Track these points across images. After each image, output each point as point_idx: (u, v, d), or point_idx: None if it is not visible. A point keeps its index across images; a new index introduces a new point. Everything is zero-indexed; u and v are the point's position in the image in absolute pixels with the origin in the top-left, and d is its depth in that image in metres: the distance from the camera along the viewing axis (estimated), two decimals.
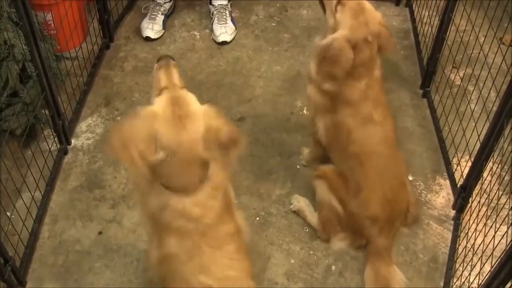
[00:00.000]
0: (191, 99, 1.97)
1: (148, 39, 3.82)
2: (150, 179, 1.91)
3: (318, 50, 2.62)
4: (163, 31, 3.90)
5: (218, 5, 3.89)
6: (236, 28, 3.91)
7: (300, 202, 2.93)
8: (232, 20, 3.92)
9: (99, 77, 3.58)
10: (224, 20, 3.85)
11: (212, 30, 3.88)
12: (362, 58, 2.53)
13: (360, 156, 2.64)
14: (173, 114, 1.87)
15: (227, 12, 3.88)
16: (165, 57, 2.16)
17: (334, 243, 2.80)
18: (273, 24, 4.03)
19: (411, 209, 2.83)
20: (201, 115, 1.90)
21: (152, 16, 3.86)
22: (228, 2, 3.95)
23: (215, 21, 3.86)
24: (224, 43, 3.82)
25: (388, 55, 2.65)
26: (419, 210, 2.93)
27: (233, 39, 3.88)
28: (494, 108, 2.53)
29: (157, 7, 3.89)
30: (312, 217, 2.86)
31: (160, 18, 3.88)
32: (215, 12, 3.88)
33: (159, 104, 1.91)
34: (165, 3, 3.93)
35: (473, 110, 3.01)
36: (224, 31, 3.82)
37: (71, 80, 3.29)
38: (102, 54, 3.71)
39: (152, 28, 3.83)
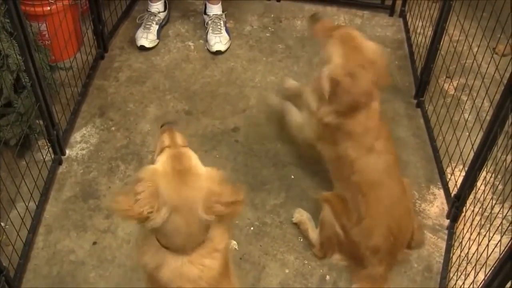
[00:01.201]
0: (193, 156, 1.95)
1: (142, 48, 3.83)
2: (149, 236, 1.92)
3: (316, 84, 2.65)
4: (158, 40, 3.91)
5: (213, 15, 3.90)
6: (230, 38, 3.92)
7: (303, 216, 2.92)
8: (227, 30, 3.93)
9: (94, 87, 3.58)
10: (219, 30, 3.86)
11: (206, 40, 3.89)
12: (360, 86, 2.54)
13: (362, 185, 2.62)
14: (173, 169, 1.86)
15: (221, 22, 3.89)
16: (169, 123, 2.15)
17: (330, 259, 2.80)
18: (267, 34, 4.04)
19: (415, 235, 2.80)
20: (203, 176, 1.88)
21: (147, 26, 3.87)
22: (223, 12, 3.96)
23: (210, 30, 3.87)
24: (218, 52, 3.83)
25: (382, 86, 2.67)
26: (423, 236, 2.90)
27: (227, 49, 3.89)
28: (488, 118, 2.54)
29: (152, 17, 3.90)
30: (313, 232, 2.85)
31: (155, 27, 3.89)
32: (209, 22, 3.89)
33: (161, 160, 1.91)
34: (159, 13, 3.94)
35: (467, 120, 3.02)
36: (219, 40, 3.83)
37: (65, 91, 3.29)
38: (97, 65, 3.71)
39: (147, 38, 3.83)
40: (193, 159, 1.93)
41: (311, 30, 2.85)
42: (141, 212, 1.77)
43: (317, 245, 2.81)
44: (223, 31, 3.88)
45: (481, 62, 2.81)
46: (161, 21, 3.96)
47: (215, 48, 3.82)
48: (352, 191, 2.66)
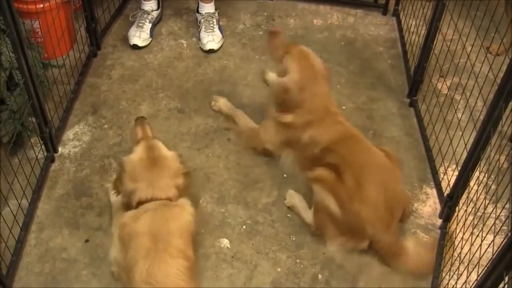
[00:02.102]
0: (161, 146, 2.65)
1: (135, 47, 3.83)
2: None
3: (273, 91, 3.14)
4: (150, 39, 3.90)
5: (205, 13, 3.89)
6: (223, 37, 3.92)
7: (294, 198, 2.98)
8: (220, 28, 3.93)
9: (86, 85, 3.57)
10: (211, 28, 3.85)
11: (199, 38, 3.89)
12: (313, 93, 2.95)
13: (340, 166, 2.74)
14: (148, 157, 2.57)
15: (214, 20, 3.89)
16: (140, 118, 2.88)
17: (332, 247, 2.81)
18: (260, 33, 4.04)
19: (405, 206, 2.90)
20: (169, 158, 2.60)
21: (140, 24, 3.86)
22: (216, 10, 3.95)
23: (202, 29, 3.86)
24: (211, 51, 3.83)
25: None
26: (410, 205, 2.99)
27: (220, 47, 3.89)
28: (481, 117, 2.54)
29: (145, 15, 3.89)
30: (306, 213, 2.90)
31: (148, 26, 3.89)
32: (202, 20, 3.88)
33: (138, 150, 2.60)
34: (152, 11, 3.93)
35: (460, 119, 3.02)
36: (211, 39, 3.83)
37: (58, 88, 3.28)
38: (89, 62, 3.70)
39: (140, 36, 3.82)
40: (161, 147, 2.64)
41: (270, 45, 3.15)
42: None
43: (313, 224, 2.85)
44: (216, 29, 3.88)
45: (475, 61, 2.81)
46: (154, 19, 3.96)
47: (208, 46, 3.82)
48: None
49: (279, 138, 3.07)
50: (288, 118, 2.97)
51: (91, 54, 3.74)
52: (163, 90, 3.57)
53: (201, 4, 3.93)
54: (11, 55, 2.76)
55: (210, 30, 3.85)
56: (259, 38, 3.99)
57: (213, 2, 3.94)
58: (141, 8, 3.94)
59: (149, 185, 2.49)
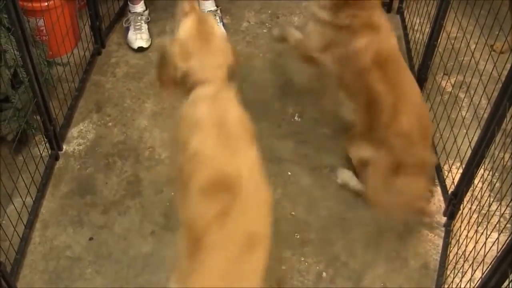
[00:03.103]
0: (213, 21, 2.37)
1: (141, 49, 3.80)
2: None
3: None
4: (151, 39, 3.88)
5: (207, 11, 3.88)
6: (226, 34, 3.91)
7: (345, 174, 3.06)
8: (223, 25, 3.92)
9: (91, 83, 3.58)
10: None
11: None
12: None
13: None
14: (200, 33, 2.26)
15: (217, 17, 3.87)
16: None
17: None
18: (265, 30, 4.03)
19: None
20: (220, 35, 2.36)
21: (137, 27, 3.84)
22: (218, 7, 3.95)
23: None
24: None
25: None
26: None
27: None
28: (485, 115, 2.54)
29: (139, 17, 3.86)
30: (358, 185, 2.99)
31: (145, 27, 3.87)
32: None
33: (188, 24, 2.28)
34: (144, 11, 3.90)
35: (464, 117, 3.02)
36: None
37: (62, 86, 3.28)
38: (94, 60, 3.70)
39: (142, 38, 3.81)
40: (213, 23, 2.36)
41: None
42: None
43: (368, 195, 2.91)
44: (220, 26, 3.86)
45: (479, 59, 2.80)
46: (148, 19, 3.93)
47: None
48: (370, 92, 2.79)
49: (324, 42, 2.93)
50: (344, 18, 2.80)
51: (96, 52, 3.74)
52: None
53: (200, 2, 3.92)
54: (15, 53, 2.76)
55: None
56: (263, 36, 3.98)
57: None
58: (133, 11, 3.89)
59: (204, 64, 2.22)
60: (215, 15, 3.87)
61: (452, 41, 3.15)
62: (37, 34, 3.34)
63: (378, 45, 2.77)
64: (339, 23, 2.81)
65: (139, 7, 3.89)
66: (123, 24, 3.95)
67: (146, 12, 3.93)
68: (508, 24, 3.22)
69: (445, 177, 3.07)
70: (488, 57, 2.71)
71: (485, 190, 2.66)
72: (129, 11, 3.91)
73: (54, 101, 3.15)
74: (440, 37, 3.24)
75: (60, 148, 3.16)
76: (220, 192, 2.00)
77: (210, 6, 3.92)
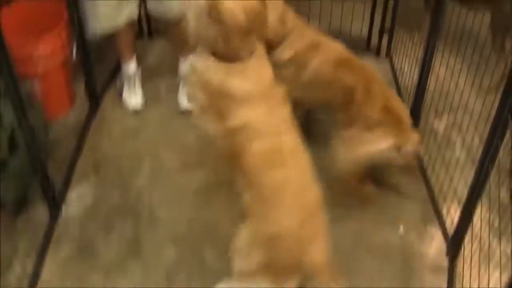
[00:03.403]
0: None
1: (135, 109, 3.85)
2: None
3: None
4: (144, 98, 3.91)
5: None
6: None
7: None
8: None
9: (87, 144, 3.59)
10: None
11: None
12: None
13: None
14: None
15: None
16: None
17: None
18: None
19: None
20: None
21: (131, 87, 3.89)
22: None
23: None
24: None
25: None
26: None
27: None
28: (479, 153, 2.56)
29: (132, 77, 3.90)
30: None
31: (138, 86, 3.91)
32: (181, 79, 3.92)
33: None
34: (135, 70, 3.93)
35: (458, 158, 3.04)
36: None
37: (59, 148, 3.31)
38: (90, 121, 3.73)
39: (136, 98, 3.86)
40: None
41: None
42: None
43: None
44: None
45: (468, 98, 2.84)
46: (139, 77, 3.96)
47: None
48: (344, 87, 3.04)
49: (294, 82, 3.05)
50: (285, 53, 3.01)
51: (91, 113, 3.76)
52: (164, 146, 3.59)
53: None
54: (12, 117, 2.78)
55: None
56: None
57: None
58: (125, 71, 3.92)
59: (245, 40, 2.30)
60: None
61: (442, 82, 3.19)
62: (32, 97, 3.38)
63: (327, 55, 3.02)
64: (284, 58, 3.01)
65: (132, 67, 3.92)
66: (116, 85, 4.01)
67: (139, 71, 3.97)
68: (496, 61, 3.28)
69: (444, 218, 3.07)
70: (477, 95, 2.74)
71: (484, 229, 2.65)
72: (122, 71, 3.95)
73: (52, 163, 3.16)
74: (429, 79, 3.28)
75: (59, 211, 3.16)
76: (278, 161, 2.26)
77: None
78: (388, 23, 4.25)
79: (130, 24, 3.65)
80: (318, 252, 2.24)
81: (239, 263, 2.40)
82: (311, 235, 2.25)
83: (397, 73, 4.01)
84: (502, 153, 2.51)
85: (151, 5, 3.55)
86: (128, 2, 3.45)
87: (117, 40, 3.75)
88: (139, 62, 3.99)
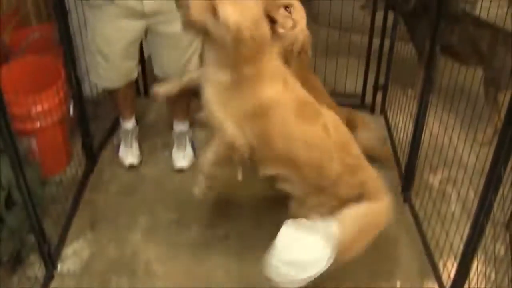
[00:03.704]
0: None
1: (132, 166, 3.86)
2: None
3: None
4: (141, 155, 3.94)
5: (179, 130, 3.96)
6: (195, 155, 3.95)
7: None
8: (193, 145, 4.00)
9: (84, 200, 3.60)
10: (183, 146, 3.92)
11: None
12: None
13: None
14: None
15: (187, 138, 3.95)
16: None
17: None
18: None
19: None
20: None
21: (128, 144, 3.91)
22: (190, 128, 4.01)
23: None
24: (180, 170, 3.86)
25: None
26: None
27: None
28: (474, 207, 2.57)
29: (130, 134, 3.93)
30: None
31: (135, 143, 3.94)
32: (174, 139, 3.96)
33: None
34: (134, 127, 3.97)
35: (454, 212, 3.06)
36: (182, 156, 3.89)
37: (56, 205, 3.31)
38: (87, 178, 3.74)
39: (133, 154, 3.88)
40: None
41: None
42: None
43: None
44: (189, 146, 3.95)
45: (462, 152, 2.87)
46: (137, 135, 4.00)
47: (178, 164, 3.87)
48: None
49: None
50: None
51: (88, 170, 3.78)
52: (160, 202, 3.60)
53: (174, 122, 3.98)
54: (9, 173, 2.80)
55: (182, 149, 3.92)
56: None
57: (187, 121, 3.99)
58: (124, 128, 3.95)
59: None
60: (185, 135, 3.95)
61: (435, 137, 3.22)
62: (29, 154, 3.40)
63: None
64: None
65: (130, 124, 3.96)
66: (114, 141, 4.04)
67: (136, 128, 4.00)
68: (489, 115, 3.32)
69: (441, 273, 3.06)
70: (471, 149, 2.77)
71: (481, 282, 2.66)
72: (120, 128, 3.98)
73: (48, 220, 3.16)
74: (423, 134, 3.31)
75: (55, 268, 3.14)
76: None
77: (181, 127, 3.97)
78: (382, 80, 4.31)
79: (129, 83, 3.71)
80: None
81: None
82: None
83: (392, 129, 4.05)
84: (497, 206, 2.52)
85: (157, 69, 3.62)
86: (127, 62, 3.51)
87: (117, 98, 3.80)
88: (137, 120, 4.04)
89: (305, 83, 2.85)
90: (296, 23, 2.91)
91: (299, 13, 2.95)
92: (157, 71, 3.61)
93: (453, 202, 3.29)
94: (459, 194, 3.19)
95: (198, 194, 3.02)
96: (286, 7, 2.91)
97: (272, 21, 2.84)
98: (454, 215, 3.02)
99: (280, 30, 2.88)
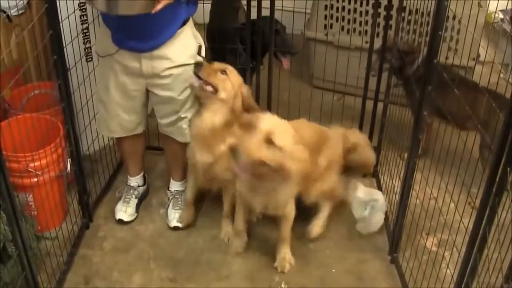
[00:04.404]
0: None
1: (121, 221, 3.89)
2: None
3: None
4: (136, 214, 3.98)
5: (174, 190, 4.03)
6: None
7: None
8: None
9: (79, 256, 3.63)
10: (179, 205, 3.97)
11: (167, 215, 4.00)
12: None
13: None
14: None
15: (181, 200, 4.00)
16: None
17: None
18: None
19: None
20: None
21: (126, 200, 3.96)
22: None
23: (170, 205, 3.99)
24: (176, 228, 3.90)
25: None
26: None
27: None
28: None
29: (131, 191, 4.00)
30: None
31: (134, 201, 3.98)
32: (170, 197, 4.02)
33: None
34: (139, 187, 4.05)
35: (438, 273, 3.08)
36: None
37: (51, 260, 3.33)
38: (82, 234, 3.78)
39: (126, 211, 3.92)
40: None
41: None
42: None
43: None
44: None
45: (446, 214, 2.92)
46: (140, 195, 4.06)
47: (173, 223, 3.91)
48: None
49: None
50: None
51: (84, 226, 3.83)
52: (155, 260, 3.63)
53: (171, 181, 4.06)
54: (5, 227, 2.84)
55: (178, 208, 3.97)
56: None
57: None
58: (128, 184, 4.06)
59: None
60: (181, 194, 4.00)
61: (422, 199, 3.28)
62: (26, 209, 3.46)
63: None
64: None
65: (134, 181, 4.04)
66: (116, 194, 4.10)
67: (141, 188, 4.07)
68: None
69: None
70: (455, 212, 2.83)
71: None
72: (126, 183, 4.06)
73: (43, 274, 3.17)
74: (410, 196, 3.36)
75: None
76: None
77: (178, 186, 4.05)
78: (375, 142, 4.39)
79: (136, 141, 3.85)
80: None
81: None
82: None
83: (383, 191, 4.11)
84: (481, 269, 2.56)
85: (164, 128, 3.72)
86: (128, 116, 3.62)
87: (122, 152, 3.98)
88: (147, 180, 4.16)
89: None
90: (234, 84, 3.40)
91: (234, 75, 3.42)
92: (158, 127, 3.74)
93: (438, 263, 3.30)
94: (443, 255, 3.21)
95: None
96: (223, 71, 3.35)
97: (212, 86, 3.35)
98: (438, 275, 3.04)
99: (222, 95, 3.37)
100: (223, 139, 3.45)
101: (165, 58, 3.33)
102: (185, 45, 3.40)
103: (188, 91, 3.46)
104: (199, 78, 3.35)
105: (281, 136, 2.96)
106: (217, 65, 3.43)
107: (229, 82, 3.38)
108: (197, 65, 3.34)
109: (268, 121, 3.02)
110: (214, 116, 3.40)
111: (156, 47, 3.29)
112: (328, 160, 3.71)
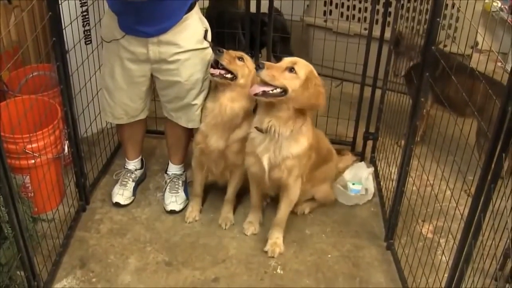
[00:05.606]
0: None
1: (117, 205, 3.91)
2: None
3: None
4: (133, 197, 3.99)
5: (172, 173, 4.03)
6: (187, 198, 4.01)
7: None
8: (185, 189, 4.03)
9: (75, 239, 3.64)
10: (176, 189, 3.98)
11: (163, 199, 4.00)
12: None
13: None
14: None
15: (180, 181, 4.01)
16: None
17: None
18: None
19: None
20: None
21: (123, 183, 3.97)
22: (184, 171, 4.08)
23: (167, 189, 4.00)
24: (172, 212, 3.90)
25: None
26: None
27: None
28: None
29: (128, 174, 4.01)
30: None
31: (131, 185, 4.00)
32: (168, 181, 4.03)
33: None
34: (136, 170, 4.05)
35: (434, 259, 3.09)
36: (174, 200, 3.94)
37: (47, 242, 3.33)
38: (78, 217, 3.79)
39: (122, 194, 3.93)
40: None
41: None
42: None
43: None
44: (181, 191, 4.00)
45: (442, 202, 2.92)
46: (137, 178, 4.07)
47: (169, 207, 3.92)
48: None
49: None
50: None
51: (80, 209, 3.84)
52: (151, 244, 3.64)
53: (169, 165, 4.06)
54: (1, 209, 2.84)
55: (175, 192, 3.98)
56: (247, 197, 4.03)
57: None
58: (125, 167, 4.06)
59: None
60: (179, 178, 4.01)
61: (418, 186, 3.28)
62: (23, 190, 3.47)
63: None
64: None
65: (132, 164, 4.05)
66: (114, 177, 4.12)
67: (138, 172, 4.08)
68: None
69: None
70: (450, 198, 2.82)
71: None
72: (124, 166, 4.07)
73: (38, 256, 3.18)
74: (406, 183, 3.37)
75: None
76: None
77: (176, 170, 4.05)
78: (372, 129, 4.39)
79: (137, 127, 3.86)
80: None
81: None
82: None
83: (380, 178, 4.12)
84: (476, 255, 2.57)
85: (170, 112, 3.71)
86: (132, 102, 3.64)
87: (122, 136, 3.98)
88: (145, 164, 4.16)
89: None
90: (250, 70, 3.36)
91: (250, 61, 3.44)
92: (163, 110, 3.74)
93: (433, 249, 3.31)
94: (438, 241, 3.23)
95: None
96: (240, 58, 3.36)
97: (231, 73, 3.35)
98: (433, 262, 3.05)
99: (242, 81, 3.37)
100: (240, 125, 3.48)
101: (173, 43, 3.33)
102: (193, 30, 3.40)
103: (194, 76, 3.47)
104: (217, 65, 3.35)
105: (302, 66, 3.17)
106: (233, 52, 3.44)
107: (247, 68, 3.40)
108: (218, 52, 3.31)
109: (293, 59, 3.21)
110: (233, 102, 3.41)
111: (163, 31, 3.29)
112: (325, 174, 3.85)
